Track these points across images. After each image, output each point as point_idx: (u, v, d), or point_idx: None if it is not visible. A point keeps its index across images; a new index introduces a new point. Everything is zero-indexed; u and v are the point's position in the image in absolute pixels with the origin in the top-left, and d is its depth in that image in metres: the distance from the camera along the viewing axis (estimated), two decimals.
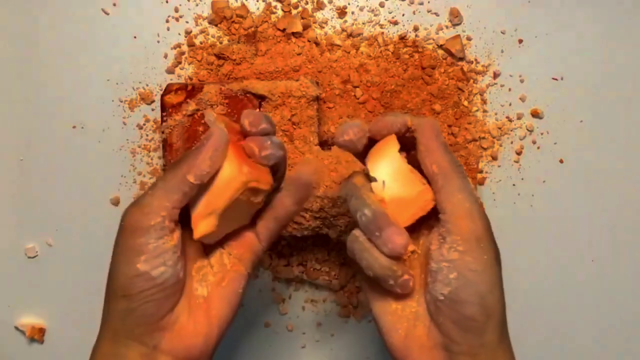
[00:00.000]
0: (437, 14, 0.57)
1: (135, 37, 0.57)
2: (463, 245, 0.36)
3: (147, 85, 0.57)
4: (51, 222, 0.58)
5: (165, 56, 0.57)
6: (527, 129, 0.58)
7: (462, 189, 0.37)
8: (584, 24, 0.57)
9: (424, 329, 0.38)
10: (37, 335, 0.58)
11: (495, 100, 0.57)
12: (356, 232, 0.37)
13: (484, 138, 0.57)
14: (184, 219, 0.38)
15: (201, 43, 0.57)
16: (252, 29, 0.56)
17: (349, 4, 0.57)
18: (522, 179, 0.58)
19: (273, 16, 0.57)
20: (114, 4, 0.57)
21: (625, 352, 0.58)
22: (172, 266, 0.37)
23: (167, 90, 0.53)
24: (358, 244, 0.37)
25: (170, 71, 0.57)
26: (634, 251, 0.58)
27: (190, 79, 0.57)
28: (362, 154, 0.40)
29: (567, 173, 0.58)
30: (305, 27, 0.56)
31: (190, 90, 0.52)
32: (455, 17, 0.57)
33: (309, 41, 0.56)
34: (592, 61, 0.57)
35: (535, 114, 0.57)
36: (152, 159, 0.58)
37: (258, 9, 0.57)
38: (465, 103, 0.57)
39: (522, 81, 0.57)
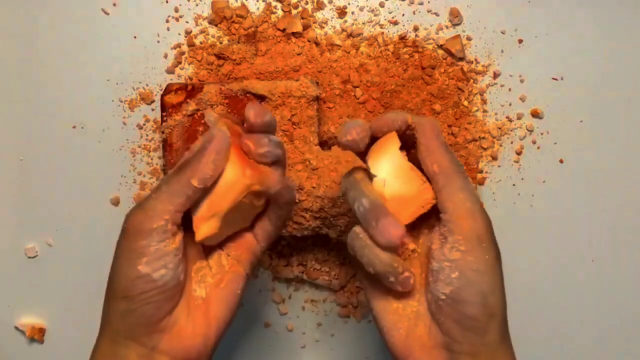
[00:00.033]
0: (437, 14, 0.57)
1: (135, 37, 0.57)
2: (465, 245, 0.36)
3: (147, 85, 0.58)
4: (51, 222, 0.58)
5: (165, 56, 0.57)
6: (527, 129, 0.58)
7: (464, 189, 0.37)
8: (584, 24, 0.57)
9: (425, 329, 0.38)
10: (37, 335, 0.58)
11: (495, 100, 0.57)
12: (357, 228, 0.37)
13: (484, 138, 0.57)
14: (184, 221, 0.38)
15: (201, 43, 0.57)
16: (252, 29, 0.56)
17: (349, 4, 0.57)
18: (522, 179, 0.58)
19: (273, 16, 0.57)
20: (114, 4, 0.57)
21: (625, 352, 0.58)
22: (173, 269, 0.37)
23: (167, 90, 0.53)
24: (358, 241, 0.37)
25: (170, 71, 0.57)
26: (634, 251, 0.58)
27: (190, 79, 0.57)
28: (363, 153, 0.40)
29: (567, 173, 0.58)
30: (305, 27, 0.56)
31: (190, 90, 0.52)
32: (455, 17, 0.57)
33: (309, 41, 0.56)
34: (592, 61, 0.57)
35: (535, 114, 0.57)
36: (152, 159, 0.58)
37: (258, 9, 0.57)
38: (465, 103, 0.57)
39: (522, 81, 0.57)
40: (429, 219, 0.40)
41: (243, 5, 0.57)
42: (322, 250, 0.58)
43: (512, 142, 0.58)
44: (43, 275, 0.59)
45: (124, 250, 0.37)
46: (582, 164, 0.58)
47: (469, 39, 0.57)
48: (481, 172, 0.58)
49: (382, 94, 0.56)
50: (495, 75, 0.57)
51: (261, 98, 0.52)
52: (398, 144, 0.38)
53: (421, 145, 0.38)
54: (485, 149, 0.58)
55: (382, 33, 0.57)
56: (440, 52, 0.57)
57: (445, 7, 0.57)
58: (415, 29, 0.57)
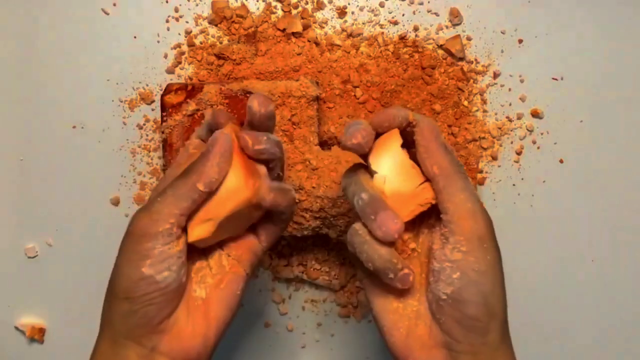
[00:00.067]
0: (437, 14, 0.57)
1: (135, 37, 0.57)
2: (466, 246, 0.36)
3: (147, 85, 0.58)
4: (51, 222, 0.58)
5: (165, 56, 0.57)
6: (527, 129, 0.58)
7: (464, 189, 0.37)
8: (584, 24, 0.57)
9: (425, 328, 0.38)
10: (37, 335, 0.58)
11: (495, 100, 0.57)
12: (356, 225, 0.37)
13: (484, 138, 0.57)
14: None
15: (201, 43, 0.57)
16: (252, 29, 0.56)
17: (349, 4, 0.57)
18: (522, 179, 0.58)
19: (273, 16, 0.57)
20: (114, 4, 0.57)
21: (625, 352, 0.58)
22: (177, 271, 0.37)
23: (167, 90, 0.53)
24: (358, 237, 0.37)
25: (170, 71, 0.57)
26: (634, 251, 0.58)
27: (190, 79, 0.57)
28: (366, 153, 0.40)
29: (567, 173, 0.58)
30: (305, 27, 0.56)
31: (190, 90, 0.52)
32: (455, 17, 0.57)
33: (309, 41, 0.56)
34: (592, 61, 0.57)
35: (535, 114, 0.57)
36: (152, 159, 0.58)
37: (258, 9, 0.57)
38: (465, 103, 0.57)
39: (522, 81, 0.57)
40: (428, 219, 0.40)
41: (243, 5, 0.57)
42: (322, 250, 0.58)
43: (512, 142, 0.58)
44: (43, 275, 0.59)
45: (128, 252, 0.37)
46: (582, 164, 0.58)
47: (469, 39, 0.57)
48: (481, 172, 0.58)
49: (382, 94, 0.56)
50: (495, 75, 0.57)
51: None
52: (400, 141, 0.38)
53: (420, 147, 0.38)
54: (485, 149, 0.58)
55: (382, 33, 0.57)
56: (440, 52, 0.57)
57: (445, 7, 0.57)
58: (415, 29, 0.57)
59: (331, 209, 0.52)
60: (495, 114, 0.58)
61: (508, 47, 0.57)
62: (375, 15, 0.57)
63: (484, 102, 0.57)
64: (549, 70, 0.57)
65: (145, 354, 0.37)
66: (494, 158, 0.58)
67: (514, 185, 0.58)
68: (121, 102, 0.58)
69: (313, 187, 0.51)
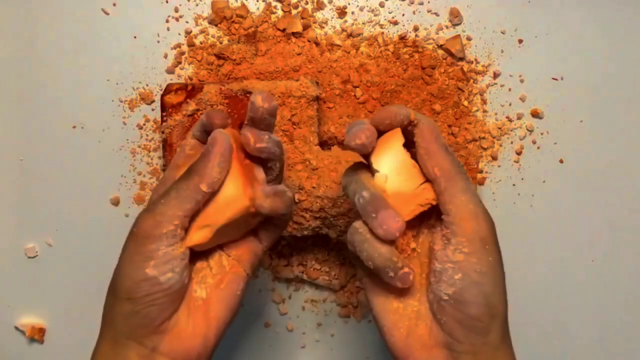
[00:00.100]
0: (437, 14, 0.57)
1: (135, 37, 0.57)
2: (468, 247, 0.36)
3: (147, 85, 0.57)
4: (51, 222, 0.58)
5: (165, 56, 0.57)
6: (527, 129, 0.58)
7: (466, 191, 0.37)
8: (584, 24, 0.57)
9: (426, 328, 0.38)
10: (37, 335, 0.58)
11: (495, 100, 0.57)
12: (356, 224, 0.37)
13: (484, 138, 0.57)
14: None
15: (201, 43, 0.57)
16: (252, 29, 0.56)
17: (349, 4, 0.57)
18: (522, 179, 0.58)
19: (273, 16, 0.57)
20: (114, 4, 0.57)
21: (625, 352, 0.58)
22: (179, 273, 0.37)
23: (167, 90, 0.53)
24: (358, 235, 0.37)
25: (170, 71, 0.57)
26: (634, 251, 0.58)
27: (190, 79, 0.57)
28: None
29: (567, 173, 0.58)
30: (305, 27, 0.56)
31: (190, 90, 0.52)
32: (455, 17, 0.57)
33: (309, 41, 0.56)
34: (592, 61, 0.57)
35: (535, 114, 0.57)
36: (152, 159, 0.58)
37: (258, 9, 0.57)
38: (465, 103, 0.57)
39: (522, 81, 0.57)
40: (428, 219, 0.40)
41: (243, 5, 0.57)
42: (322, 250, 0.58)
43: (512, 142, 0.58)
44: (43, 275, 0.59)
45: (131, 253, 0.37)
46: (582, 164, 0.58)
47: (469, 39, 0.57)
48: (481, 172, 0.58)
49: (382, 94, 0.56)
50: (495, 75, 0.57)
51: None
52: (402, 140, 0.38)
53: (420, 149, 0.38)
54: (485, 149, 0.58)
55: (382, 33, 0.57)
56: (440, 52, 0.57)
57: (445, 7, 0.57)
58: (415, 29, 0.57)
59: (331, 209, 0.52)
60: (495, 114, 0.58)
61: (508, 47, 0.57)
62: (375, 15, 0.57)
63: (484, 102, 0.57)
64: (549, 70, 0.57)
65: (146, 354, 0.37)
66: (494, 158, 0.58)
67: (514, 185, 0.58)
68: (121, 102, 0.58)
69: (313, 187, 0.51)
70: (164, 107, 0.52)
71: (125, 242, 0.38)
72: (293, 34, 0.56)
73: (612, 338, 0.58)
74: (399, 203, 0.37)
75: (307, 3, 0.57)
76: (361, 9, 0.57)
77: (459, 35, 0.57)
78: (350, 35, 0.57)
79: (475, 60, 0.57)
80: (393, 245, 0.36)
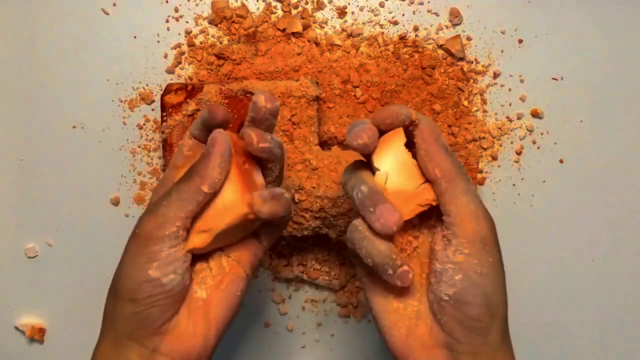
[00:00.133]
0: (437, 14, 0.57)
1: (135, 37, 0.57)
2: (469, 248, 0.36)
3: (147, 85, 0.57)
4: (51, 222, 0.58)
5: (165, 56, 0.57)
6: (527, 129, 0.58)
7: (466, 191, 0.37)
8: (584, 24, 0.57)
9: (426, 328, 0.38)
10: (37, 335, 0.58)
11: (495, 100, 0.57)
12: (356, 221, 0.37)
13: (484, 138, 0.57)
14: None
15: (201, 43, 0.57)
16: (252, 29, 0.56)
17: (349, 4, 0.57)
18: (522, 179, 0.58)
19: (273, 16, 0.57)
20: (114, 4, 0.57)
21: (625, 352, 0.58)
22: (182, 274, 0.37)
23: (167, 90, 0.53)
24: (358, 233, 0.37)
25: (170, 71, 0.57)
26: (634, 251, 0.58)
27: (190, 79, 0.57)
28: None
29: (567, 173, 0.58)
30: (305, 27, 0.56)
31: (190, 90, 0.52)
32: (455, 17, 0.57)
33: (309, 41, 0.56)
34: (592, 61, 0.57)
35: (535, 114, 0.57)
36: (152, 159, 0.58)
37: (258, 9, 0.57)
38: (465, 103, 0.57)
39: (522, 81, 0.57)
40: (428, 219, 0.40)
41: (243, 5, 0.57)
42: (322, 250, 0.58)
43: (512, 142, 0.58)
44: (43, 275, 0.59)
45: (134, 254, 0.37)
46: (582, 164, 0.58)
47: (469, 39, 0.57)
48: (481, 172, 0.58)
49: (382, 94, 0.56)
50: (495, 75, 0.57)
51: None
52: (404, 140, 0.38)
53: (421, 150, 0.38)
54: (485, 149, 0.58)
55: (382, 33, 0.57)
56: (440, 52, 0.57)
57: (445, 7, 0.57)
58: (415, 29, 0.57)
59: (331, 209, 0.52)
60: (495, 114, 0.58)
61: (508, 47, 0.57)
62: (375, 15, 0.57)
63: (484, 102, 0.57)
64: (549, 70, 0.57)
65: (147, 354, 0.37)
66: (494, 158, 0.58)
67: (514, 185, 0.58)
68: (121, 102, 0.58)
69: (313, 187, 0.51)
70: (164, 107, 0.52)
71: (127, 243, 0.38)
72: (293, 34, 0.56)
73: (612, 338, 0.58)
74: (399, 202, 0.37)
75: (307, 3, 0.57)
76: (361, 9, 0.57)
77: (459, 35, 0.57)
78: (350, 35, 0.57)
79: (475, 60, 0.57)
80: (391, 240, 0.36)
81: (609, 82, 0.57)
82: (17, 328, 0.59)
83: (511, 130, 0.58)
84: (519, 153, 0.58)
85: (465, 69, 0.57)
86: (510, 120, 0.57)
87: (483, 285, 0.36)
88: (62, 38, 0.57)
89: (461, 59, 0.57)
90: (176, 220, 0.37)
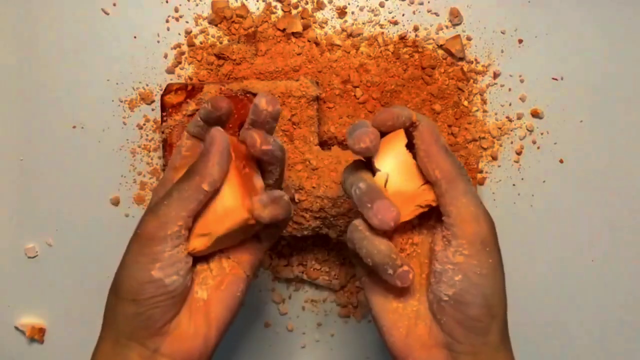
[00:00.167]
0: (437, 14, 0.57)
1: (135, 37, 0.57)
2: (468, 249, 0.36)
3: (147, 85, 0.57)
4: (51, 222, 0.58)
5: (165, 56, 0.57)
6: (527, 129, 0.58)
7: (467, 192, 0.37)
8: (584, 24, 0.57)
9: (426, 328, 0.38)
10: (37, 335, 0.58)
11: (495, 100, 0.57)
12: (356, 221, 0.37)
13: (484, 138, 0.57)
14: None
15: (201, 43, 0.57)
16: (252, 29, 0.56)
17: (349, 4, 0.57)
18: (522, 179, 0.58)
19: (273, 16, 0.57)
20: (114, 4, 0.57)
21: (625, 352, 0.58)
22: (184, 275, 0.37)
23: (167, 90, 0.53)
24: (358, 233, 0.37)
25: (170, 71, 0.57)
26: (634, 251, 0.58)
27: (190, 79, 0.57)
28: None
29: (567, 173, 0.58)
30: (305, 27, 0.56)
31: (190, 90, 0.52)
32: (455, 17, 0.57)
33: (309, 41, 0.56)
34: (592, 61, 0.57)
35: (535, 114, 0.57)
36: (152, 159, 0.58)
37: (258, 9, 0.57)
38: (465, 103, 0.57)
39: (522, 81, 0.57)
40: (428, 220, 0.40)
41: (243, 5, 0.57)
42: (322, 250, 0.58)
43: (512, 142, 0.58)
44: (43, 275, 0.59)
45: (136, 255, 0.37)
46: (582, 164, 0.58)
47: (469, 39, 0.57)
48: (481, 172, 0.58)
49: (382, 94, 0.56)
50: (495, 75, 0.57)
51: None
52: (405, 141, 0.38)
53: (420, 151, 0.38)
54: (485, 149, 0.58)
55: (382, 33, 0.57)
56: (440, 52, 0.57)
57: (445, 7, 0.57)
58: (415, 29, 0.57)
59: (331, 209, 0.52)
60: (495, 114, 0.58)
61: (508, 47, 0.57)
62: (375, 15, 0.57)
63: (484, 102, 0.57)
64: (549, 70, 0.57)
65: (148, 355, 0.37)
66: (494, 158, 0.58)
67: (514, 185, 0.58)
68: (121, 102, 0.58)
69: (313, 187, 0.51)
70: (164, 107, 0.52)
71: (128, 244, 0.38)
72: (293, 34, 0.56)
73: (612, 338, 0.58)
74: (399, 202, 0.37)
75: (307, 3, 0.57)
76: (361, 9, 0.57)
77: (459, 35, 0.57)
78: (350, 35, 0.57)
79: (475, 60, 0.57)
80: (390, 237, 0.37)
81: (609, 82, 0.57)
82: (17, 328, 0.59)
83: (511, 130, 0.58)
84: (519, 153, 0.58)
85: (465, 69, 0.57)
86: (510, 120, 0.57)
87: (483, 286, 0.36)
88: (62, 38, 0.57)
89: (461, 59, 0.57)
90: (178, 220, 0.37)
